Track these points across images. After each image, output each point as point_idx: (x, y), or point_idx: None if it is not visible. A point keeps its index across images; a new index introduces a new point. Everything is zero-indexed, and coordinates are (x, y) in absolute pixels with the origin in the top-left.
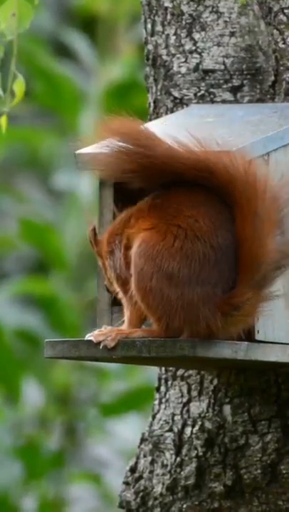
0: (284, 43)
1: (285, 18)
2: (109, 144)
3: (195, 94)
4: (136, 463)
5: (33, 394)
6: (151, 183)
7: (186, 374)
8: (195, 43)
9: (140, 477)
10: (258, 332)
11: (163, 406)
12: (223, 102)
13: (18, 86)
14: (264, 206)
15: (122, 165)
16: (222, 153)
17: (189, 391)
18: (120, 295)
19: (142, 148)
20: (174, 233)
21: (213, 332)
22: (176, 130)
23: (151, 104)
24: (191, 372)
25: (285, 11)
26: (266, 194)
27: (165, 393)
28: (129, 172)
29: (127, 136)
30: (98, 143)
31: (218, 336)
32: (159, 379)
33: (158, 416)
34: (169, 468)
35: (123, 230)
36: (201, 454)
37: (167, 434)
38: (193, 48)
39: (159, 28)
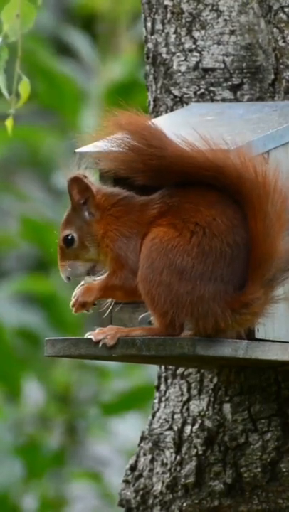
0: (284, 42)
1: (284, 17)
2: (118, 139)
3: (195, 93)
4: (136, 461)
5: (33, 393)
6: (158, 182)
7: (186, 372)
8: (195, 41)
9: (140, 475)
10: (258, 330)
11: (163, 404)
12: (223, 100)
13: (24, 87)
14: (274, 205)
15: (131, 163)
16: (230, 151)
17: (189, 389)
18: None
19: (153, 149)
20: (192, 230)
21: (220, 329)
22: (176, 129)
23: (151, 103)
24: (190, 370)
25: (285, 9)
26: (276, 193)
27: (165, 392)
28: (136, 171)
29: (137, 135)
30: (97, 141)
31: (224, 333)
32: (159, 377)
33: (158, 414)
34: (168, 466)
35: (139, 219)
36: (200, 452)
37: (167, 432)
38: (193, 46)
39: (159, 26)
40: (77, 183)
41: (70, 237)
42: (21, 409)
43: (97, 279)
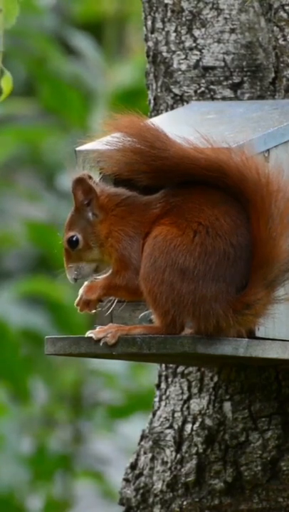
0: (284, 40)
1: (285, 15)
2: (119, 142)
3: (195, 91)
4: (136, 460)
5: (40, 393)
6: (161, 182)
7: (186, 371)
8: (195, 39)
9: (140, 474)
10: (258, 329)
11: (163, 403)
12: (224, 98)
13: (6, 82)
14: (277, 206)
15: (133, 165)
16: (232, 152)
17: (190, 388)
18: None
19: (156, 151)
20: (195, 230)
21: (221, 329)
22: (176, 127)
23: (152, 101)
24: (191, 369)
25: (286, 7)
26: (279, 194)
27: (165, 390)
28: (139, 172)
29: (139, 137)
30: (99, 140)
31: (225, 333)
32: (160, 376)
33: (158, 413)
34: (169, 465)
35: (143, 219)
36: (201, 450)
37: (167, 431)
38: (194, 44)
39: (159, 24)
40: (81, 183)
41: (74, 239)
42: (29, 409)
43: (101, 277)
